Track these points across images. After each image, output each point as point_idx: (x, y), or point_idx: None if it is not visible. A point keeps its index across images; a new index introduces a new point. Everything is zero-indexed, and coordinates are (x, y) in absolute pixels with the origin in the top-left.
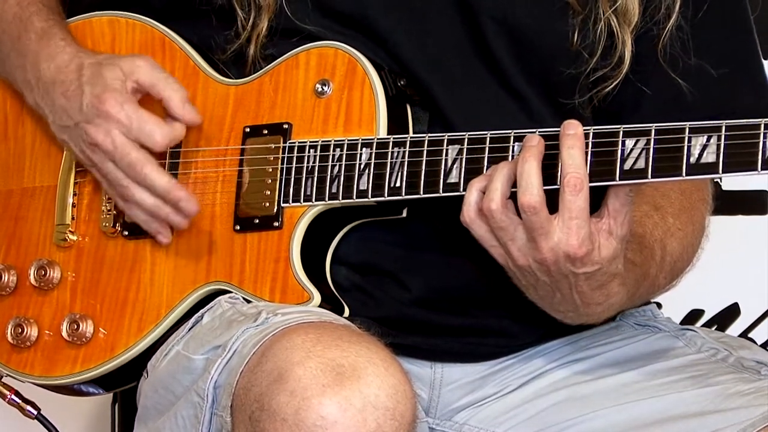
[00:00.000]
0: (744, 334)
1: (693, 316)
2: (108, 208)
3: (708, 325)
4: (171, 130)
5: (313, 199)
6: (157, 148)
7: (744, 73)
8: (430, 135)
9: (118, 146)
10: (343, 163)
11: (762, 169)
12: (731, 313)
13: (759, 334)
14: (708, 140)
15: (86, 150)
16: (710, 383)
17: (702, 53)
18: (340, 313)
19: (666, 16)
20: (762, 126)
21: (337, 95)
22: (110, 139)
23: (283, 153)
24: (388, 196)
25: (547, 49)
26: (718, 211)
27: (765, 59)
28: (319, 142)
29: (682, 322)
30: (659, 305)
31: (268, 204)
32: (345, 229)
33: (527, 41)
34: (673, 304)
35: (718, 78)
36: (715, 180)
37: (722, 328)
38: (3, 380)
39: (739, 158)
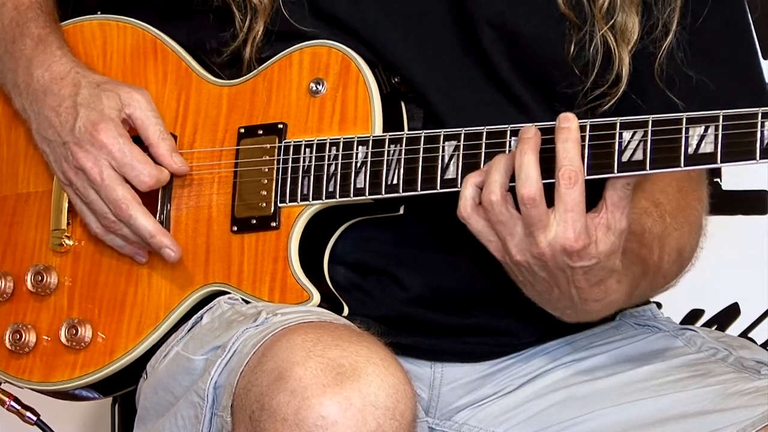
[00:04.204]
0: (744, 334)
1: (693, 316)
2: None
3: (708, 325)
4: (159, 173)
5: (310, 198)
6: (142, 188)
7: (743, 80)
8: (426, 131)
9: (105, 179)
10: (340, 161)
11: (760, 158)
12: (731, 313)
13: (759, 334)
14: (706, 130)
15: (68, 171)
16: (710, 383)
17: (701, 60)
18: (340, 312)
19: (663, 34)
20: (759, 115)
21: (331, 94)
22: (98, 170)
23: (279, 153)
24: (385, 193)
25: (544, 57)
26: (718, 211)
27: (765, 59)
28: (315, 141)
29: (682, 322)
30: (659, 305)
31: (264, 204)
32: (342, 228)
33: (525, 48)
34: (673, 304)
35: (716, 91)
36: (715, 180)
37: (722, 328)
38: (2, 387)
39: (737, 147)
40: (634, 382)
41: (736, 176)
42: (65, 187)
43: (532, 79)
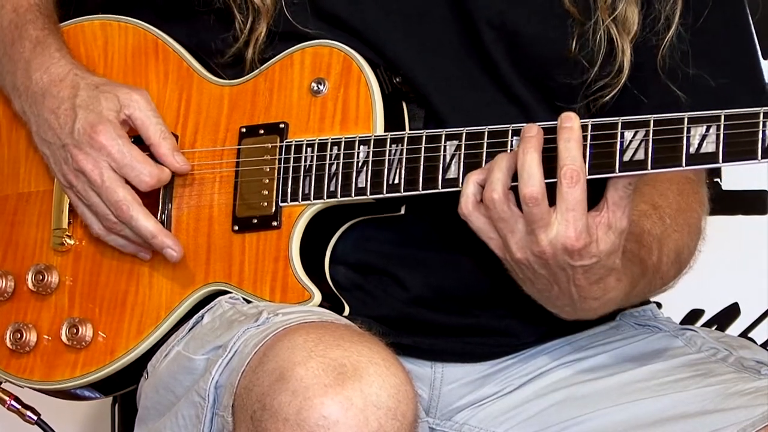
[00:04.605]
0: (744, 334)
1: (693, 316)
2: None
3: (708, 325)
4: (160, 172)
5: (312, 198)
6: (143, 188)
7: (744, 80)
8: (427, 131)
9: (106, 181)
10: (341, 161)
11: (762, 158)
12: (731, 313)
13: (759, 334)
14: (707, 130)
15: (68, 173)
16: (710, 383)
17: (702, 60)
18: (341, 311)
19: (666, 27)
20: (761, 115)
21: (332, 94)
22: (98, 171)
23: (280, 152)
24: (386, 193)
25: (545, 56)
26: (718, 211)
27: (765, 59)
28: (316, 141)
29: (682, 322)
30: (659, 305)
31: (266, 204)
32: (343, 227)
33: (525, 48)
34: (673, 304)
35: (716, 87)
36: (715, 180)
37: (722, 328)
38: (2, 386)
39: (739, 147)
40: (634, 382)
41: (736, 176)
42: (66, 190)
43: (533, 78)
